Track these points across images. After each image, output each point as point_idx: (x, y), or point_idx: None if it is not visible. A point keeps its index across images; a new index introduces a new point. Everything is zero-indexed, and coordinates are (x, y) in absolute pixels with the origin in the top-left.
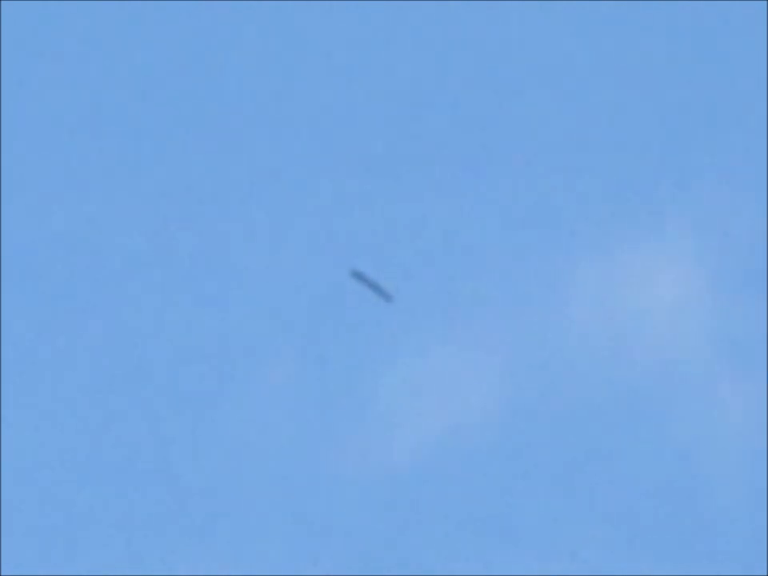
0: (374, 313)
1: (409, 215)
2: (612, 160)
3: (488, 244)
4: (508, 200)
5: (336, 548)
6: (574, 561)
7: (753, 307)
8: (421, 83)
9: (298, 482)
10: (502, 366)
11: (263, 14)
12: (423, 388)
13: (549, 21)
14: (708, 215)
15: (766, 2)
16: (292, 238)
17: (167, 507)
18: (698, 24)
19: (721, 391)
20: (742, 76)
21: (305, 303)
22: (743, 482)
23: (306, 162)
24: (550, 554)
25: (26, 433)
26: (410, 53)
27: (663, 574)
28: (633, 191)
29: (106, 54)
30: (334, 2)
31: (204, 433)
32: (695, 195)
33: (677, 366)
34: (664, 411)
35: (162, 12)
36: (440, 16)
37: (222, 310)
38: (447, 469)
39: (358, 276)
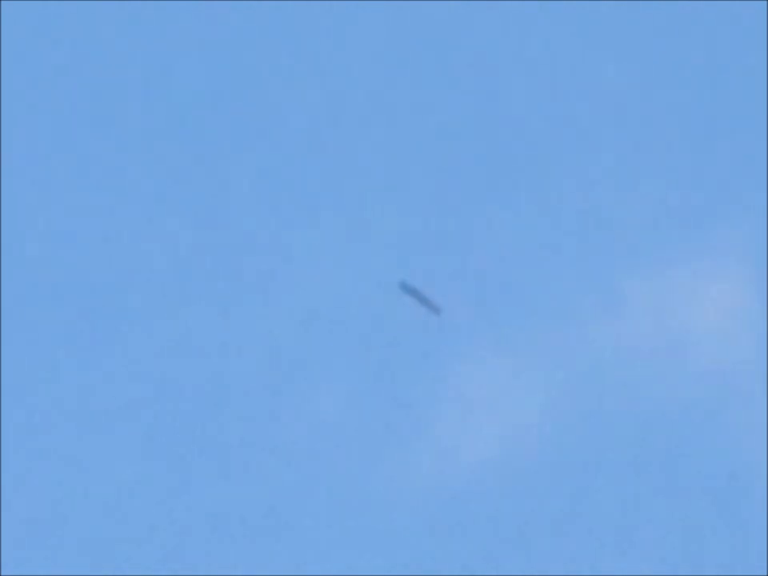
0: (427, 328)
1: (462, 228)
2: (663, 175)
3: (540, 258)
4: (560, 214)
5: (393, 564)
6: (624, 564)
7: None
8: (474, 94)
9: (353, 498)
10: (555, 380)
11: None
12: (477, 403)
13: (600, 28)
14: (757, 228)
15: (766, 1)
16: (347, 251)
17: (222, 521)
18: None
19: None
20: None
21: (359, 318)
22: None
23: (357, 176)
24: (604, 568)
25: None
26: (460, 61)
27: None
28: (683, 205)
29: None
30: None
31: (260, 449)
32: (745, 209)
33: (728, 379)
34: (716, 424)
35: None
36: (486, 25)
37: (275, 325)
38: (502, 483)
39: (407, 289)
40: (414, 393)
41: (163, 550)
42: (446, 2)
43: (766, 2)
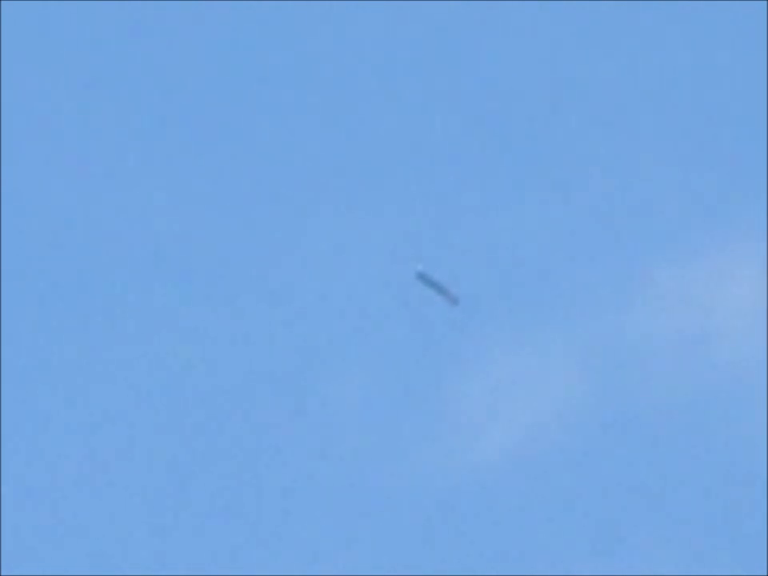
0: (454, 318)
1: (489, 218)
2: (691, 164)
3: (567, 247)
4: (587, 204)
5: (419, 548)
6: (653, 558)
7: None
8: (499, 88)
9: (382, 485)
10: (580, 367)
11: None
12: (503, 390)
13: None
14: None
15: (766, 1)
16: (371, 244)
17: (253, 509)
18: None
19: None
20: None
21: (386, 309)
22: None
23: (377, 167)
24: (629, 552)
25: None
26: (477, 49)
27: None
28: (711, 194)
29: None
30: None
31: (288, 438)
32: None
33: (753, 366)
34: (741, 411)
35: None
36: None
37: (302, 317)
38: (527, 469)
39: (425, 279)
40: (438, 383)
41: (173, 542)
42: None
43: (766, 1)
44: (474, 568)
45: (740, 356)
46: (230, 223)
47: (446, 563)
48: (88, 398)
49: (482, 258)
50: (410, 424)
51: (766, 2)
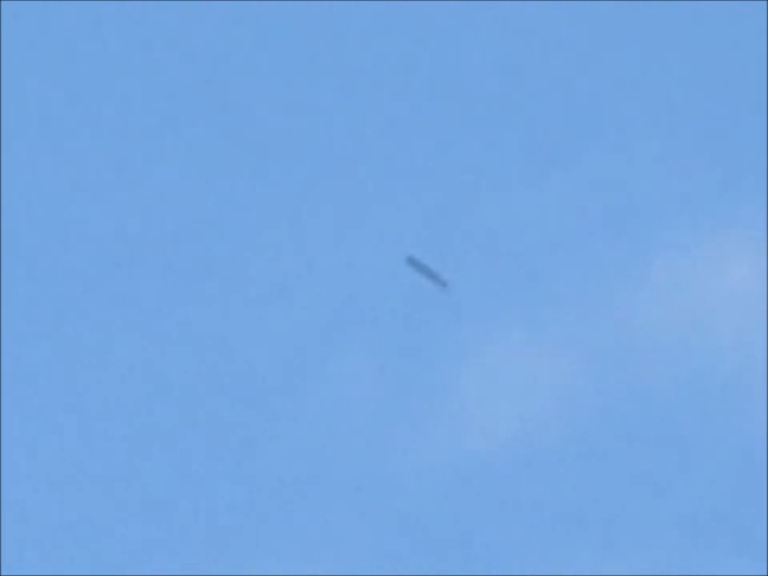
0: (450, 303)
1: (486, 204)
2: (689, 152)
3: (565, 235)
4: (584, 190)
5: (415, 534)
6: (650, 551)
7: None
8: (494, 71)
9: (377, 471)
10: (579, 354)
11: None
12: (500, 377)
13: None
14: None
15: (766, 1)
16: (367, 228)
17: (248, 496)
18: None
19: None
20: None
21: (382, 294)
22: None
23: (370, 153)
24: (625, 544)
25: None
26: (477, 37)
27: None
28: (707, 181)
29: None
30: None
31: (283, 424)
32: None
33: (755, 352)
34: (743, 399)
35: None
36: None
37: (296, 302)
38: (522, 459)
39: (415, 264)
40: (434, 370)
41: (173, 537)
42: None
43: (766, 1)
44: (472, 557)
45: (742, 343)
46: (225, 211)
47: (444, 552)
48: (85, 395)
49: (477, 243)
50: (406, 413)
51: (766, 1)
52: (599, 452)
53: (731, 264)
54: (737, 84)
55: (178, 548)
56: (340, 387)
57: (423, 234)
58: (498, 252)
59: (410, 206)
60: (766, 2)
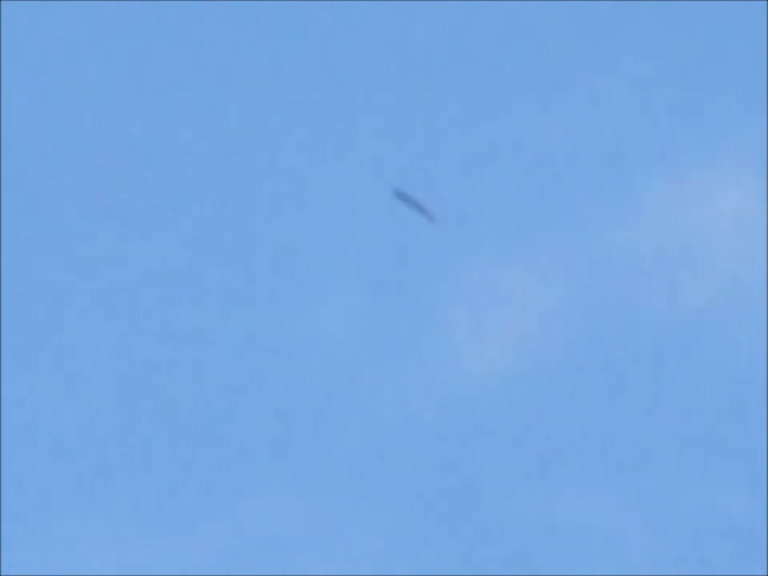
0: (436, 237)
1: (475, 137)
2: (679, 78)
3: (550, 163)
4: (574, 121)
5: (405, 466)
6: (636, 480)
7: None
8: (481, 12)
9: (367, 403)
10: (568, 284)
11: None
12: (487, 310)
13: None
14: None
15: (766, 1)
16: (355, 161)
17: (233, 434)
18: None
19: None
20: None
21: (362, 232)
22: None
23: (355, 87)
24: (612, 475)
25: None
26: None
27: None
28: (698, 109)
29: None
30: None
31: (270, 363)
32: (761, 116)
33: (743, 284)
34: (728, 326)
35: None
36: None
37: (280, 238)
38: (513, 390)
39: (402, 196)
40: (423, 302)
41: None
42: None
43: (766, 1)
44: (464, 487)
45: (733, 272)
46: (219, 144)
47: (436, 483)
48: (72, 332)
49: (463, 171)
50: (395, 344)
51: (766, 1)
52: (590, 381)
53: (722, 193)
54: (731, 9)
55: (168, 484)
56: (328, 320)
57: (409, 164)
58: (485, 181)
59: (397, 135)
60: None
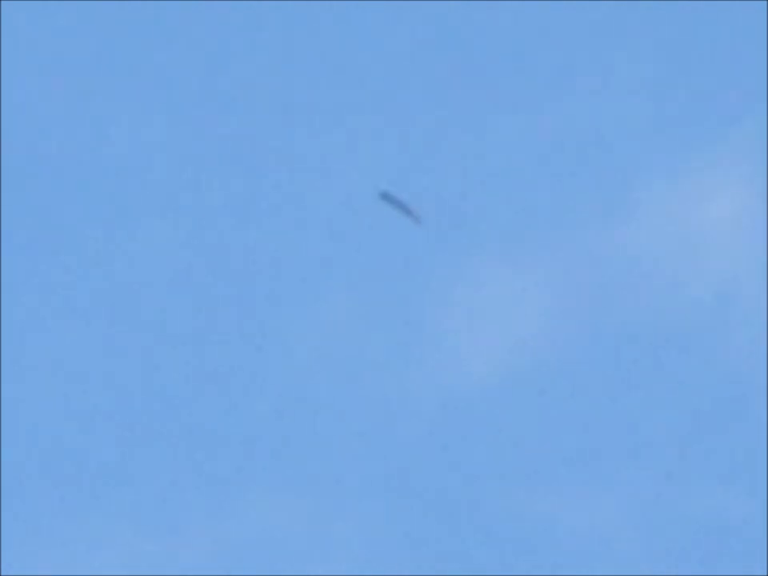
0: (430, 240)
1: (463, 138)
2: (677, 79)
3: (549, 167)
4: (569, 123)
5: (403, 473)
6: (635, 480)
7: None
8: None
9: (365, 409)
10: (563, 287)
11: None
12: (484, 312)
13: None
14: (766, 136)
15: (766, 1)
16: (349, 166)
17: (231, 435)
18: None
19: None
20: None
21: (362, 232)
22: None
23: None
24: (606, 478)
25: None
26: None
27: None
28: (695, 110)
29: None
30: None
31: (268, 364)
32: (755, 116)
33: (737, 286)
34: (722, 325)
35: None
36: None
37: (279, 239)
38: (510, 390)
39: (388, 198)
40: (420, 304)
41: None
42: None
43: (766, 1)
44: (459, 485)
45: (726, 275)
46: (203, 146)
47: (438, 483)
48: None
49: (462, 172)
50: (395, 345)
51: (766, 1)
52: (588, 381)
53: (717, 194)
54: (726, 11)
55: (166, 484)
56: (327, 322)
57: (408, 165)
58: (484, 182)
59: (395, 136)
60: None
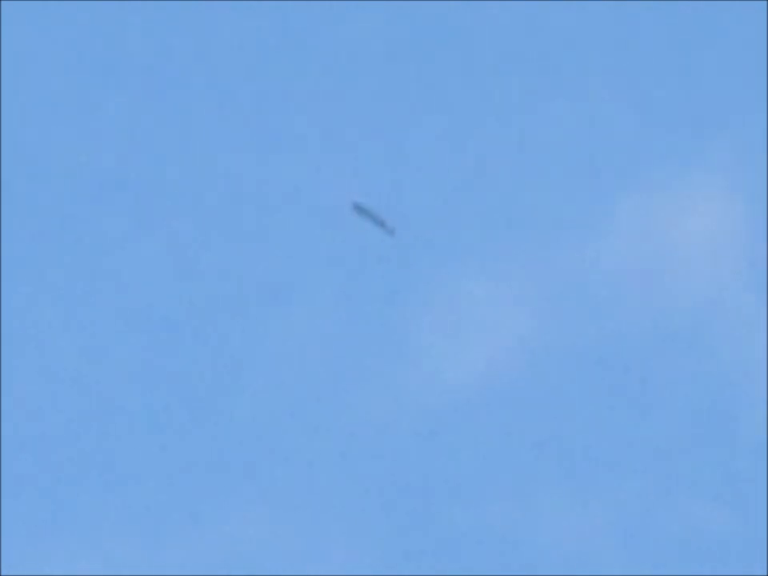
0: (408, 250)
1: (441, 147)
2: (652, 92)
3: (526, 177)
4: (546, 131)
5: (372, 484)
6: (613, 496)
7: None
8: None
9: (334, 419)
10: (540, 300)
11: None
12: (461, 323)
13: None
14: (745, 149)
15: (766, 1)
16: (326, 173)
17: (209, 446)
18: None
19: (760, 321)
20: None
21: (340, 240)
22: None
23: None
24: (586, 491)
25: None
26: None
27: None
28: (673, 123)
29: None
30: None
31: (238, 371)
32: (734, 130)
33: (713, 294)
34: (701, 339)
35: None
36: None
37: (257, 245)
38: (486, 402)
39: (361, 210)
40: (397, 316)
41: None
42: None
43: (766, 1)
44: (435, 497)
45: (704, 287)
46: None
47: (407, 494)
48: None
49: (436, 184)
50: (368, 357)
51: (766, 1)
52: (564, 394)
53: (694, 204)
54: (707, 23)
55: (145, 495)
56: (302, 332)
57: (380, 176)
58: (459, 195)
59: (367, 146)
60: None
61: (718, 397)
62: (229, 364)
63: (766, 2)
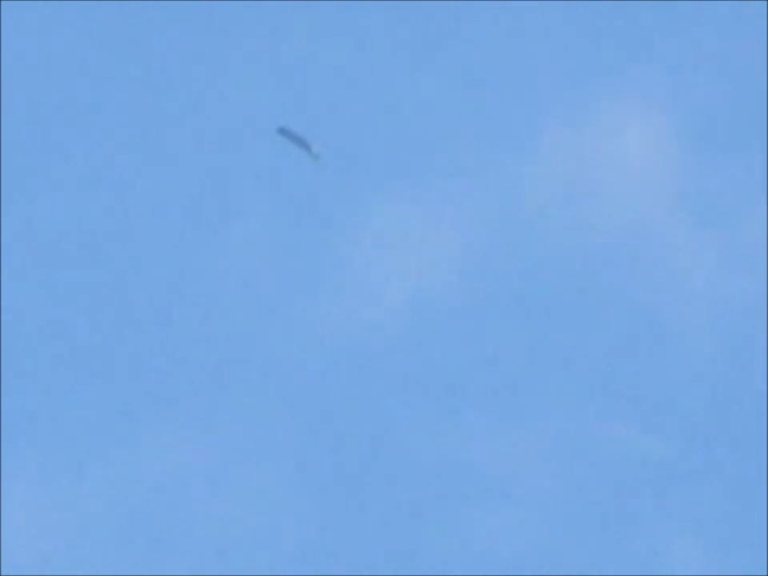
0: (344, 174)
1: (374, 77)
2: (583, 24)
3: (458, 104)
4: (476, 55)
5: (309, 402)
6: (543, 418)
7: (720, 162)
8: None
9: (272, 339)
10: (473, 221)
11: None
12: (394, 245)
13: None
14: (678, 70)
15: (766, 1)
16: (264, 90)
17: (135, 371)
18: None
19: (686, 245)
20: None
21: (276, 160)
22: (708, 334)
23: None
24: (516, 413)
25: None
26: None
27: None
28: (605, 44)
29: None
30: None
31: (177, 288)
32: (664, 57)
33: (644, 220)
34: (631, 265)
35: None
36: None
37: (193, 164)
38: (420, 322)
39: (287, 134)
40: (333, 236)
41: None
42: None
43: (766, 1)
44: (374, 419)
45: (636, 209)
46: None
47: (346, 415)
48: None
49: (373, 114)
50: (303, 278)
51: (766, 1)
52: (491, 318)
53: (626, 127)
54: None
55: (67, 421)
56: (236, 257)
57: (313, 103)
58: (388, 122)
59: (294, 74)
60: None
61: (647, 320)
62: (161, 280)
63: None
